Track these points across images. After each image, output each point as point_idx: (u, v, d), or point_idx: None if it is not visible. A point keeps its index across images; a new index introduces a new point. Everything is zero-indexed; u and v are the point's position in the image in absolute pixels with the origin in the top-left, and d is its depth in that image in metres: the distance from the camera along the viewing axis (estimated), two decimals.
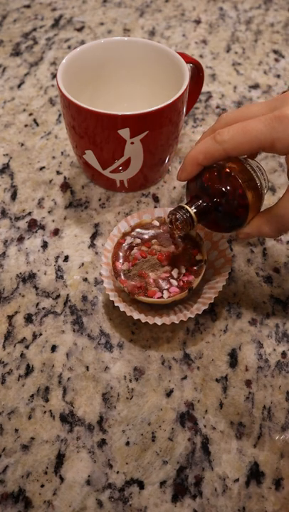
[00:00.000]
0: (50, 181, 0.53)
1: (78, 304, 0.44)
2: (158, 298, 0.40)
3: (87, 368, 0.40)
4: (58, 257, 0.47)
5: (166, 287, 0.40)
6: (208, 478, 0.35)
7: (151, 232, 0.44)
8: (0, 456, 0.36)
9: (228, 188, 0.36)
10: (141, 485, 0.35)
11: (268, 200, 0.51)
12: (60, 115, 0.60)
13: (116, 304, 0.40)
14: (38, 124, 0.59)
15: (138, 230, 0.44)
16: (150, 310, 0.42)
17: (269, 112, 0.35)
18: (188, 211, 0.38)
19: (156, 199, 0.52)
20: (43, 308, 0.43)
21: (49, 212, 0.51)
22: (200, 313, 0.40)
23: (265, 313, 0.43)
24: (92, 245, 0.48)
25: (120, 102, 0.54)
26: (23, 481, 0.35)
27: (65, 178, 0.54)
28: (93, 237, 0.49)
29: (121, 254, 0.42)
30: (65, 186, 0.53)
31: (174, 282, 0.41)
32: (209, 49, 0.71)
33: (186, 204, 0.38)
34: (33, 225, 0.49)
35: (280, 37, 0.73)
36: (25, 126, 0.59)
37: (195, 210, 0.37)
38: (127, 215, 0.50)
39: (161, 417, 0.38)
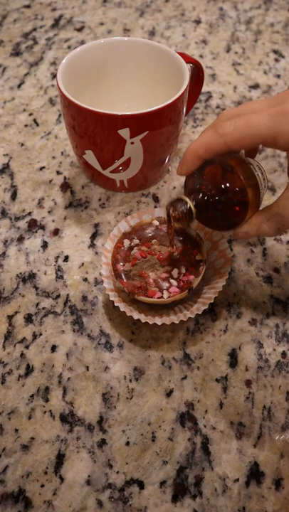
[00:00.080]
0: (50, 181, 0.53)
1: (78, 303, 0.44)
2: (158, 298, 0.40)
3: (87, 368, 0.40)
4: (58, 257, 0.47)
5: (166, 287, 0.40)
6: (208, 478, 0.35)
7: (151, 232, 0.44)
8: (0, 456, 0.36)
9: (229, 183, 0.36)
10: (141, 485, 0.35)
11: (268, 200, 0.51)
12: (60, 115, 0.60)
13: (116, 304, 0.40)
14: (38, 124, 0.59)
15: (138, 230, 0.44)
16: (150, 310, 0.42)
17: (271, 108, 0.35)
18: (187, 203, 0.37)
19: (156, 199, 0.52)
20: (43, 308, 0.43)
21: (49, 212, 0.51)
22: (200, 313, 0.40)
23: (265, 313, 0.43)
24: (92, 245, 0.48)
25: (120, 102, 0.54)
26: (23, 481, 0.35)
27: (65, 178, 0.54)
28: (93, 237, 0.49)
29: (120, 257, 0.42)
30: (65, 186, 0.53)
31: (174, 282, 0.41)
32: (209, 49, 0.71)
33: (186, 196, 0.37)
34: (33, 225, 0.49)
35: (280, 37, 0.73)
36: (25, 126, 0.59)
37: (194, 203, 0.37)
38: (127, 215, 0.50)
39: (161, 417, 0.38)
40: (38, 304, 0.44)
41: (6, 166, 0.55)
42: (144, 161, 0.47)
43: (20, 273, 0.46)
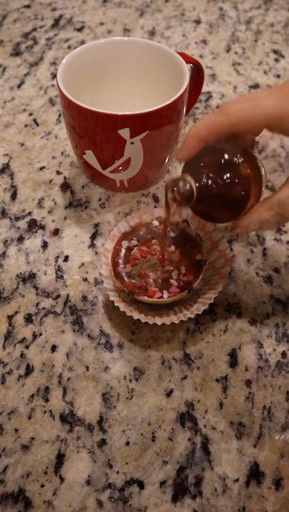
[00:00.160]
0: (50, 181, 0.53)
1: (78, 303, 0.44)
2: (158, 298, 0.40)
3: (87, 368, 0.40)
4: (58, 257, 0.47)
5: (166, 287, 0.40)
6: (208, 478, 0.35)
7: (152, 232, 0.44)
8: (0, 456, 0.36)
9: (234, 169, 0.34)
10: (141, 485, 0.35)
11: None
12: (60, 115, 0.60)
13: (116, 304, 0.40)
14: (38, 124, 0.59)
15: (138, 230, 0.44)
16: (150, 310, 0.42)
17: (279, 90, 0.34)
18: (189, 184, 0.35)
19: (156, 199, 0.52)
20: (43, 308, 0.43)
21: (49, 212, 0.51)
22: (200, 313, 0.40)
23: (265, 313, 0.43)
24: (92, 245, 0.48)
25: (120, 102, 0.54)
26: (23, 481, 0.35)
27: (65, 178, 0.54)
28: (93, 237, 0.49)
29: (120, 258, 0.42)
30: (65, 186, 0.53)
31: (174, 282, 0.41)
32: (209, 49, 0.71)
33: (188, 177, 0.35)
34: (33, 225, 0.49)
35: (280, 37, 0.73)
36: (25, 126, 0.59)
37: (196, 185, 0.35)
38: (127, 215, 0.50)
39: (161, 417, 0.38)
40: (38, 304, 0.44)
41: (6, 166, 0.55)
42: (144, 161, 0.47)
43: (20, 273, 0.46)
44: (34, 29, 0.74)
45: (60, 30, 0.73)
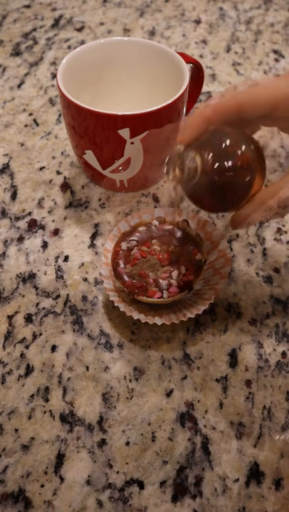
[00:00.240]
0: (50, 181, 0.53)
1: (78, 303, 0.44)
2: (158, 298, 0.40)
3: (87, 368, 0.40)
4: (58, 257, 0.47)
5: (166, 287, 0.40)
6: (208, 478, 0.35)
7: (152, 232, 0.44)
8: (0, 456, 0.36)
9: (239, 154, 0.32)
10: (141, 485, 0.35)
11: None
12: (60, 115, 0.60)
13: (116, 304, 0.40)
14: (38, 124, 0.59)
15: (138, 230, 0.44)
16: (150, 310, 0.42)
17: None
18: (194, 160, 0.32)
19: (156, 199, 0.52)
20: (43, 308, 0.43)
21: (49, 212, 0.51)
22: (200, 313, 0.40)
23: (265, 313, 0.43)
24: (92, 245, 0.48)
25: (120, 102, 0.54)
26: (23, 481, 0.35)
27: (65, 178, 0.54)
28: (93, 237, 0.49)
29: (120, 258, 0.42)
30: (65, 186, 0.53)
31: (174, 282, 0.41)
32: (209, 49, 0.71)
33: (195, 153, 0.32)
34: (33, 225, 0.49)
35: (280, 37, 0.73)
36: (25, 126, 0.59)
37: (201, 163, 0.32)
38: (127, 215, 0.50)
39: (161, 417, 0.38)
40: (38, 304, 0.44)
41: (6, 166, 0.55)
42: (144, 161, 0.47)
43: (20, 273, 0.46)
44: (34, 29, 0.74)
45: (60, 30, 0.73)
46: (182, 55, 0.49)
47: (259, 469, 0.35)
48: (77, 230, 0.49)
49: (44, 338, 0.42)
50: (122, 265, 0.42)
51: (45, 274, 0.46)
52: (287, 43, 0.72)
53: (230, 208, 0.36)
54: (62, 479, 0.35)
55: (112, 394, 0.39)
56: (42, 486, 0.35)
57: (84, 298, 0.44)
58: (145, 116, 0.43)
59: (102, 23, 0.75)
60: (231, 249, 0.48)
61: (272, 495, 0.34)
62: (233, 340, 0.42)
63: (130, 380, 0.39)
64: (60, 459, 0.36)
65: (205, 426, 0.37)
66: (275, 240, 0.49)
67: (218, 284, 0.41)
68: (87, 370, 0.40)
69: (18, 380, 0.39)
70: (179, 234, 0.44)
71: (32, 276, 0.46)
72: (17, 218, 0.50)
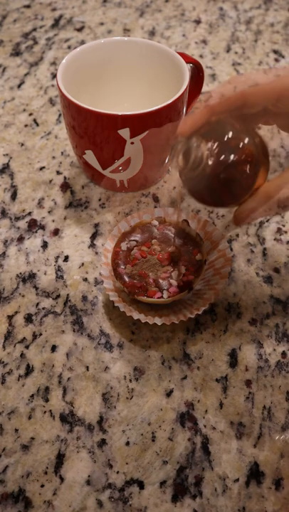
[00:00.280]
0: (50, 181, 0.53)
1: (78, 303, 0.44)
2: (158, 298, 0.40)
3: (87, 368, 0.40)
4: (58, 257, 0.47)
5: (166, 287, 0.40)
6: (208, 478, 0.35)
7: (151, 232, 0.44)
8: (0, 456, 0.36)
9: (246, 148, 0.32)
10: (141, 485, 0.35)
11: None
12: (60, 115, 0.60)
13: (116, 304, 0.40)
14: (38, 124, 0.59)
15: (138, 230, 0.44)
16: (150, 310, 0.42)
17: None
18: (199, 149, 0.31)
19: (156, 199, 0.52)
20: (43, 308, 0.43)
21: (49, 212, 0.51)
22: (200, 313, 0.40)
23: (265, 313, 0.43)
24: (92, 245, 0.48)
25: (120, 102, 0.54)
26: (23, 481, 0.35)
27: (65, 178, 0.54)
28: (93, 237, 0.49)
29: (120, 258, 0.42)
30: (65, 186, 0.53)
31: (174, 282, 0.41)
32: (209, 49, 0.71)
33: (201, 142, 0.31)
34: (33, 225, 0.49)
35: (280, 37, 0.73)
36: (25, 126, 0.59)
37: (208, 152, 0.32)
38: (127, 215, 0.50)
39: (161, 417, 0.38)
40: (38, 304, 0.44)
41: (6, 166, 0.55)
42: (144, 161, 0.47)
43: (20, 273, 0.46)
44: (34, 29, 0.74)
45: (60, 30, 0.73)
46: (182, 55, 0.49)
47: (259, 469, 0.35)
48: (77, 230, 0.49)
49: (44, 338, 0.42)
50: (122, 265, 0.42)
51: (45, 274, 0.46)
52: (287, 43, 0.72)
53: (233, 202, 0.35)
54: (62, 479, 0.35)
55: (112, 394, 0.39)
56: (42, 486, 0.35)
57: (84, 298, 0.44)
58: (145, 116, 0.43)
59: (102, 23, 0.75)
60: (231, 249, 0.48)
61: (272, 495, 0.34)
62: (233, 340, 0.42)
63: (130, 380, 0.39)
64: (60, 459, 0.36)
65: (205, 426, 0.37)
66: (275, 239, 0.49)
67: (218, 284, 0.41)
68: (87, 370, 0.40)
69: (18, 380, 0.39)
70: (179, 234, 0.44)
71: (32, 276, 0.46)
72: (17, 218, 0.50)
